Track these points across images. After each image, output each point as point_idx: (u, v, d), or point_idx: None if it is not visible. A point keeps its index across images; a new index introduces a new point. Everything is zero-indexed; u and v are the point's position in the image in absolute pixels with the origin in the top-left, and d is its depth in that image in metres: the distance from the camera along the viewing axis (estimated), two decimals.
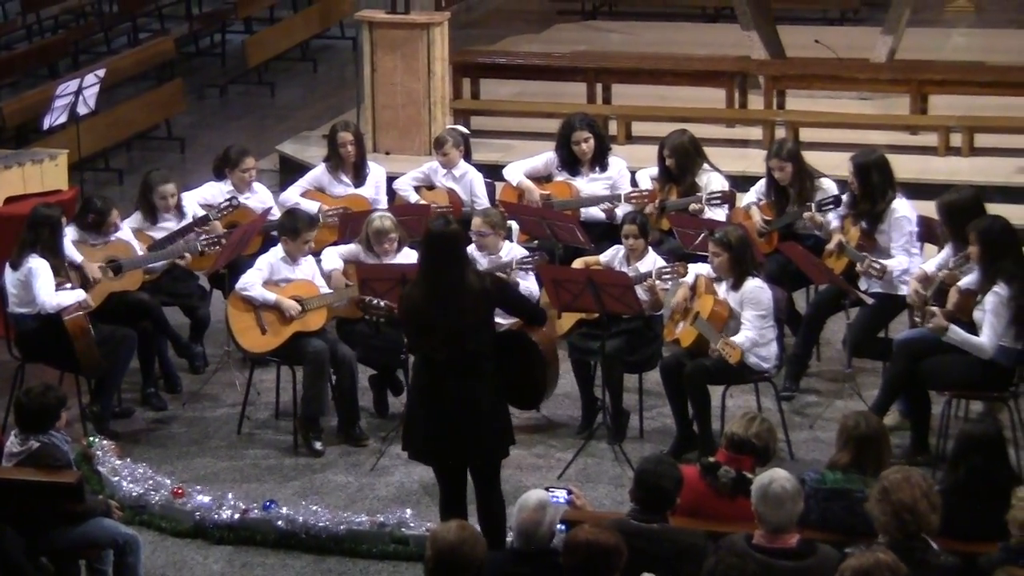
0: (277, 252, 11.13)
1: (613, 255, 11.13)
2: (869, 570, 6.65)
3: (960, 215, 10.50)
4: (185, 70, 19.81)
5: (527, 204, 12.39)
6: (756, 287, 10.41)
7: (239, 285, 11.03)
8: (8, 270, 10.97)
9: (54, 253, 10.96)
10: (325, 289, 11.09)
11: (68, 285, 10.96)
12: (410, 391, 9.24)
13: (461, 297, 8.72)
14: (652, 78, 16.54)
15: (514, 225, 12.01)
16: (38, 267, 10.82)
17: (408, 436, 9.18)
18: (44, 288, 10.80)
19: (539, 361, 9.14)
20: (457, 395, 8.80)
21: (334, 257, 11.30)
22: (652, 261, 10.91)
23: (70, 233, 11.35)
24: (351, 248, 11.40)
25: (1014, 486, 7.48)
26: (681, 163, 12.12)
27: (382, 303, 10.62)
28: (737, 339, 10.25)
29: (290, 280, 11.06)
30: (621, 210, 12.14)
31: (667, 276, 10.80)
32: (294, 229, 11.05)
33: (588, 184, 12.48)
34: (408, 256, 11.24)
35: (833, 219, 11.52)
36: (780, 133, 15.04)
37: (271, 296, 10.95)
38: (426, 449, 9.05)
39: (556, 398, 11.15)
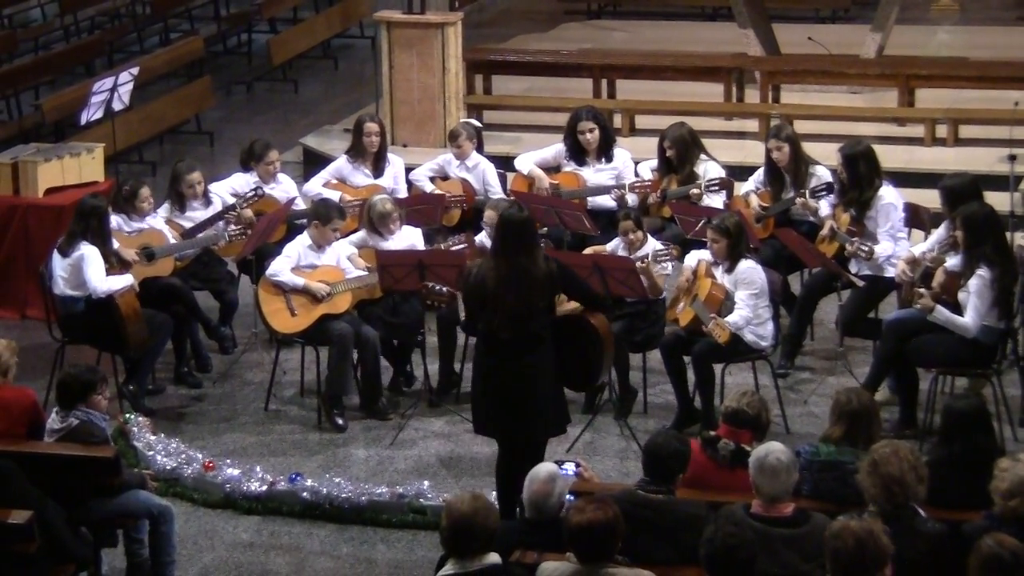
0: (303, 240, 11.14)
1: (615, 247, 11.12)
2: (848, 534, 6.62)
3: (958, 198, 10.52)
4: (213, 68, 19.79)
5: (537, 193, 12.40)
6: (749, 268, 10.43)
7: (269, 272, 11.04)
8: (56, 256, 11.00)
9: (102, 241, 11.01)
10: (350, 274, 11.10)
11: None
12: (473, 369, 9.22)
13: (530, 280, 8.74)
14: (654, 74, 16.50)
15: None
16: (90, 254, 10.87)
17: (473, 411, 9.22)
18: (96, 274, 10.85)
19: (598, 343, 9.05)
20: (517, 373, 8.82)
21: (346, 245, 11.32)
22: (651, 247, 10.91)
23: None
24: (359, 235, 11.43)
25: (997, 458, 7.48)
26: (681, 153, 12.13)
27: (444, 289, 10.61)
28: (731, 318, 10.28)
29: (316, 266, 11.06)
30: (630, 197, 12.15)
31: (663, 258, 10.79)
32: (326, 216, 11.07)
33: (595, 174, 12.47)
34: (408, 234, 11.30)
35: (826, 206, 11.51)
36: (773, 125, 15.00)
37: (300, 280, 10.96)
38: (489, 424, 9.07)
39: None
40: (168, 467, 10.20)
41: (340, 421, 10.90)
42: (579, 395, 10.98)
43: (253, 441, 10.83)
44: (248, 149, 12.44)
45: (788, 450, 7.43)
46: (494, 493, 9.20)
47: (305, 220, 11.72)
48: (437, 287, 10.66)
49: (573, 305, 10.14)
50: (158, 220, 11.72)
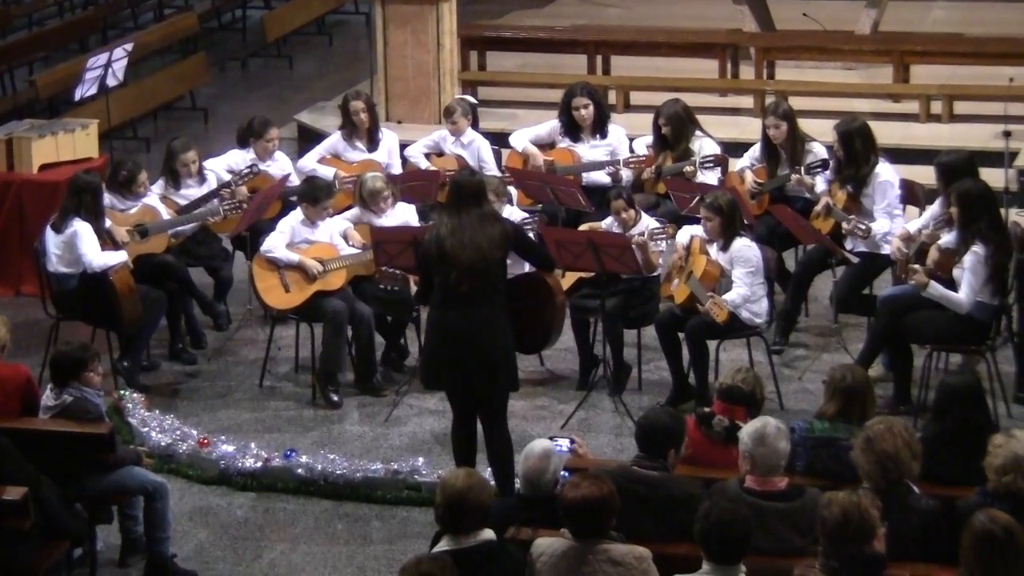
0: (297, 215, 11.13)
1: (610, 225, 11.10)
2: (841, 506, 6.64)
3: (953, 175, 10.51)
4: (208, 44, 19.74)
5: (531, 169, 12.38)
6: (744, 246, 10.43)
7: (264, 248, 11.03)
8: (50, 232, 10.99)
9: (96, 217, 10.99)
10: (344, 251, 11.08)
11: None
12: (428, 324, 9.29)
13: (483, 234, 8.91)
14: (649, 50, 16.48)
15: (512, 189, 11.98)
16: (83, 230, 10.86)
17: (425, 365, 9.29)
18: (90, 249, 10.85)
19: (551, 302, 9.23)
20: (477, 325, 8.92)
21: (340, 221, 11.30)
22: (645, 225, 10.89)
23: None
24: (354, 211, 11.42)
25: (991, 434, 7.48)
26: (676, 130, 12.10)
27: (398, 272, 10.62)
28: (729, 296, 10.27)
29: (310, 242, 11.05)
30: (624, 173, 12.13)
31: (658, 236, 10.78)
32: (314, 197, 11.05)
33: (589, 151, 12.45)
34: (402, 211, 11.28)
35: (821, 182, 11.50)
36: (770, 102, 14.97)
37: (295, 257, 10.95)
38: (443, 375, 9.13)
39: (558, 353, 11.15)
40: (163, 443, 10.19)
41: (335, 398, 10.90)
42: (572, 372, 11.00)
43: (248, 417, 10.82)
44: (247, 126, 12.40)
45: (780, 422, 7.45)
46: (488, 470, 9.21)
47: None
48: (391, 269, 10.66)
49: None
50: (152, 197, 11.69)
